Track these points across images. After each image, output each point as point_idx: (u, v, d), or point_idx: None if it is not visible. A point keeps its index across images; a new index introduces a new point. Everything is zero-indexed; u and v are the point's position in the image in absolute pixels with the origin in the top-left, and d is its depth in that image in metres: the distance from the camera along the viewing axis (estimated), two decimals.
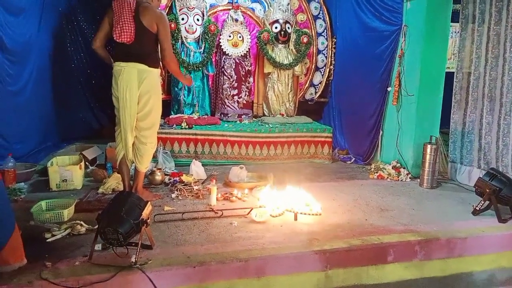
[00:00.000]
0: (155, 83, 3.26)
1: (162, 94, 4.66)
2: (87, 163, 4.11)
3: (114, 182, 3.58)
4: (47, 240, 2.52)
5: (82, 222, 2.70)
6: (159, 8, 3.49)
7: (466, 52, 4.14)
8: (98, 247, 2.36)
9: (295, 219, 2.98)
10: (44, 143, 4.69)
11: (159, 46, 3.28)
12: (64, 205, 2.99)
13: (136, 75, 3.11)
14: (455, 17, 4.29)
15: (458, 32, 4.24)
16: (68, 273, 2.12)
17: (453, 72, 4.26)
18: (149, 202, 2.48)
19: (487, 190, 3.13)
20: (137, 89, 3.12)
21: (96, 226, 2.30)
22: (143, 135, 3.26)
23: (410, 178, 4.23)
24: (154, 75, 3.23)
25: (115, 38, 3.07)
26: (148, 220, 2.39)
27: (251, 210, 3.06)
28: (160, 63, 3.41)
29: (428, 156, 3.94)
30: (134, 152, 3.28)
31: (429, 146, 3.94)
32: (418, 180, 4.09)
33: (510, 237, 2.93)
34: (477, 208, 3.21)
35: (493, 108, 3.91)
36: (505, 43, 3.76)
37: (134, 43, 3.09)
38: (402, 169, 4.33)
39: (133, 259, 2.22)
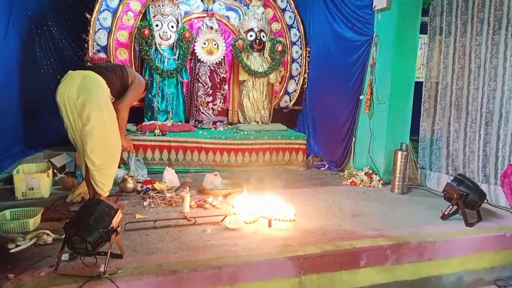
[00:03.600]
0: (98, 93, 2.85)
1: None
2: (55, 170, 3.99)
3: (83, 190, 3.46)
4: (11, 251, 2.41)
5: (48, 232, 2.60)
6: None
7: (434, 62, 4.28)
8: (65, 257, 2.27)
9: (269, 225, 2.98)
10: (10, 150, 4.53)
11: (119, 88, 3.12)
12: (30, 214, 2.88)
13: (79, 81, 2.80)
14: (423, 29, 4.44)
15: (426, 43, 4.39)
16: (32, 285, 2.03)
17: (422, 82, 4.40)
18: (119, 210, 2.42)
19: (455, 195, 3.22)
20: (76, 97, 2.77)
21: (64, 235, 2.21)
22: (92, 160, 2.87)
23: (382, 184, 4.31)
24: (100, 84, 2.88)
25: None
26: (118, 229, 2.33)
27: (225, 217, 3.03)
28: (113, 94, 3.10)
29: (398, 163, 4.03)
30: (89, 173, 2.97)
31: (399, 152, 4.03)
32: (390, 186, 4.17)
33: (477, 241, 3.02)
34: (445, 212, 3.30)
35: (460, 116, 4.05)
36: (470, 54, 3.92)
37: (103, 63, 3.04)
38: (374, 175, 4.41)
39: (102, 269, 2.14)
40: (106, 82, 2.95)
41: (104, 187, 3.02)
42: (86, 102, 2.79)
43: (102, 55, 4.81)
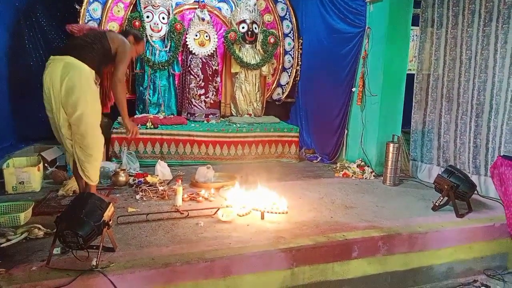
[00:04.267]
0: (82, 80, 2.78)
1: (127, 93, 4.56)
2: (46, 164, 3.95)
3: (74, 184, 3.43)
4: (1, 246, 2.39)
5: (40, 226, 2.59)
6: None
7: (425, 54, 4.29)
8: (56, 251, 2.26)
9: (262, 218, 2.99)
10: (0, 143, 4.46)
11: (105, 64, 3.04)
12: (21, 208, 2.86)
13: (60, 68, 2.74)
14: (415, 21, 4.44)
15: (418, 35, 4.39)
16: (23, 279, 2.02)
17: (414, 74, 4.41)
18: (111, 204, 2.41)
19: (446, 187, 3.25)
20: (60, 85, 2.72)
21: (55, 229, 2.20)
22: (84, 151, 2.88)
23: (374, 176, 4.33)
24: (81, 70, 2.80)
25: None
26: (110, 222, 2.32)
27: (217, 210, 3.03)
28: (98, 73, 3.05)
29: (390, 155, 4.05)
30: (78, 164, 2.94)
31: (391, 144, 4.05)
32: (382, 178, 4.20)
33: (467, 231, 3.05)
34: (436, 204, 3.33)
35: (451, 108, 4.08)
36: (461, 46, 3.93)
37: (82, 35, 2.95)
38: (366, 167, 4.44)
39: (94, 263, 2.14)
40: (87, 64, 2.85)
41: (93, 177, 2.99)
42: (70, 91, 2.73)
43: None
